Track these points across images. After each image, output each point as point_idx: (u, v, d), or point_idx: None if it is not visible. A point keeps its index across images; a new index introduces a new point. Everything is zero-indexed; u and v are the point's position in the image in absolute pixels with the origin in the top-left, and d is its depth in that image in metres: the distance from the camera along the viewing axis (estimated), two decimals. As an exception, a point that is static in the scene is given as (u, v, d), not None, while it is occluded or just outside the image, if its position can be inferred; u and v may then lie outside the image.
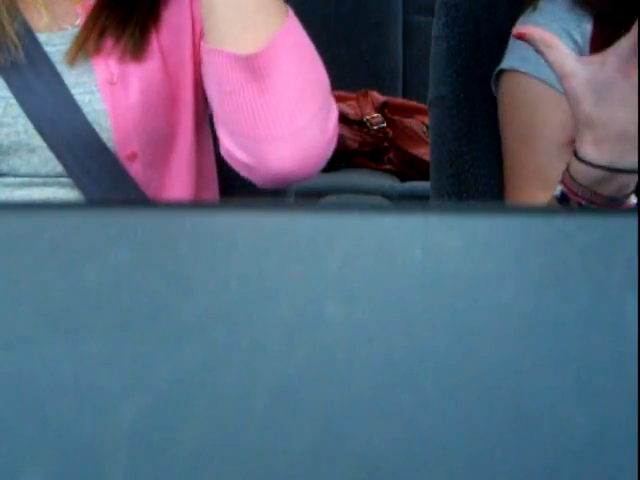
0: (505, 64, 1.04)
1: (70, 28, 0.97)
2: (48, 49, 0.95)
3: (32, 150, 0.93)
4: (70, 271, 0.24)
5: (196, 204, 0.26)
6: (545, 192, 0.96)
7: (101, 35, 0.94)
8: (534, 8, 1.03)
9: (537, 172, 1.00)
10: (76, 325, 0.23)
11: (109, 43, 0.94)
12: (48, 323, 0.23)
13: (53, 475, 0.20)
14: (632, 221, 0.25)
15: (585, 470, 0.21)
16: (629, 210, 0.26)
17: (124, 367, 0.22)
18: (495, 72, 1.07)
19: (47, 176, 0.94)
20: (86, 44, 0.94)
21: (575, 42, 1.02)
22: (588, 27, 1.02)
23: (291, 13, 0.88)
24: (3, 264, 0.24)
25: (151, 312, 0.23)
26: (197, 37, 0.97)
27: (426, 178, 1.28)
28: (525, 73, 1.02)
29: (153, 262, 0.24)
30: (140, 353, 0.22)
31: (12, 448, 0.20)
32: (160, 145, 0.97)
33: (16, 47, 0.93)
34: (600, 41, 1.00)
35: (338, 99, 2.50)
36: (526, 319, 0.23)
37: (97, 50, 0.94)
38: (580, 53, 1.01)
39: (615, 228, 0.25)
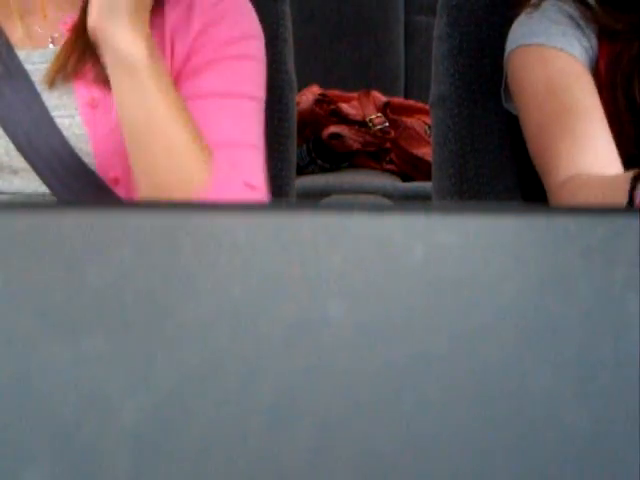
0: (513, 44, 1.02)
1: (50, 46, 0.95)
2: (27, 67, 0.93)
3: (14, 171, 0.92)
4: (72, 271, 0.24)
5: (197, 204, 0.26)
6: (574, 148, 0.92)
7: (81, 56, 0.92)
8: (536, 7, 1.02)
9: (564, 109, 0.95)
10: (78, 325, 0.23)
11: (89, 65, 0.92)
12: (50, 323, 0.23)
13: (55, 475, 0.20)
14: (634, 221, 0.25)
15: (586, 470, 0.21)
16: (630, 210, 0.26)
17: (126, 367, 0.22)
18: (506, 55, 1.05)
19: (31, 195, 0.93)
20: (66, 65, 0.92)
21: (583, 44, 1.00)
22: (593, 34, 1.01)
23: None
24: (5, 264, 0.24)
25: (153, 312, 0.23)
26: (175, 56, 0.94)
27: (428, 178, 1.28)
28: (535, 44, 1.00)
29: (155, 262, 0.24)
30: (142, 353, 0.22)
31: (14, 448, 0.20)
32: None
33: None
34: (607, 55, 0.99)
35: (340, 99, 2.51)
36: (527, 319, 0.23)
37: (77, 72, 0.92)
38: (590, 51, 1.00)
39: (617, 228, 0.25)
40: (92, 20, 0.85)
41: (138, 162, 0.87)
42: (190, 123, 0.87)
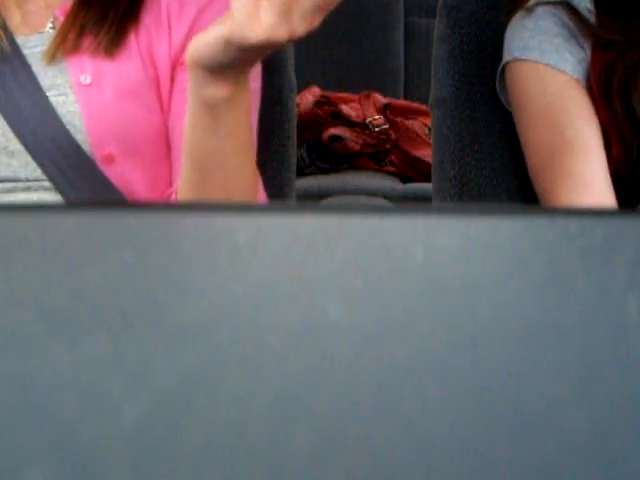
0: (508, 57, 1.04)
1: (47, 29, 0.97)
2: (25, 52, 0.95)
3: (11, 154, 0.93)
4: (72, 272, 0.24)
5: (197, 204, 0.26)
6: (579, 161, 0.96)
7: (80, 33, 0.94)
8: (530, 11, 1.03)
9: (564, 144, 0.98)
10: (78, 326, 0.23)
11: (86, 42, 0.94)
12: (50, 324, 0.23)
13: (56, 475, 0.20)
14: (635, 222, 0.25)
15: (587, 472, 0.21)
16: (632, 211, 0.26)
17: (126, 368, 0.22)
18: (499, 68, 1.06)
19: (28, 180, 0.94)
20: (64, 43, 0.94)
21: (576, 56, 1.01)
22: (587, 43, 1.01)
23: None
24: (5, 265, 0.24)
25: (153, 313, 0.23)
26: (173, 40, 0.96)
27: (428, 180, 1.28)
28: (530, 60, 1.01)
29: (154, 263, 0.24)
30: (142, 354, 0.22)
31: (15, 448, 0.20)
32: (142, 148, 0.96)
33: (1, 39, 0.94)
34: (599, 65, 0.99)
35: (340, 101, 2.51)
36: (528, 320, 0.23)
37: (74, 49, 0.94)
38: (584, 56, 1.00)
39: (617, 229, 0.25)
40: (193, 57, 0.76)
41: (191, 181, 0.85)
42: (251, 156, 0.87)
